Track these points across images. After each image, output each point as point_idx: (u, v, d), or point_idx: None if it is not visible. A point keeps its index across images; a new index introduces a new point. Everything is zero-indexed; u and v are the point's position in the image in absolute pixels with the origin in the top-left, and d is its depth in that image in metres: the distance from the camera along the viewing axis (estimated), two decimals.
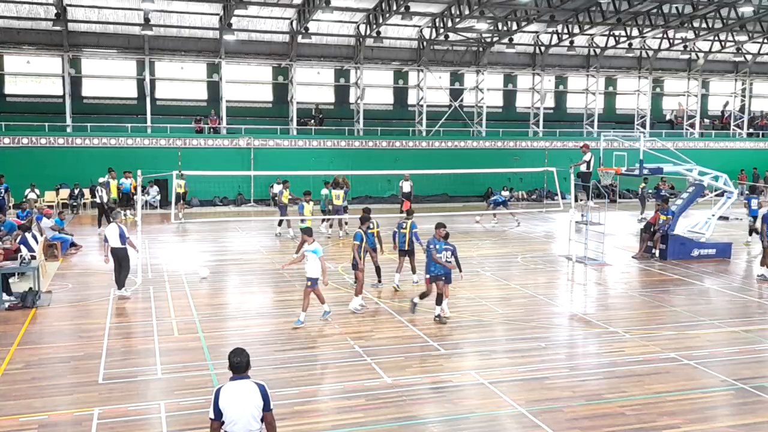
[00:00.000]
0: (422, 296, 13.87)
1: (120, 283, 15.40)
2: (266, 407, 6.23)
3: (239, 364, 6.29)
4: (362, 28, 36.21)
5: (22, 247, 16.27)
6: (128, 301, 15.07)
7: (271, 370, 10.69)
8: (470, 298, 15.43)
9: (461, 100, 39.84)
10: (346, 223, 23.31)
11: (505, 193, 29.38)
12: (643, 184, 30.04)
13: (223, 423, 6.18)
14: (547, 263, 20.01)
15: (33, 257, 15.95)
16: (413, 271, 16.84)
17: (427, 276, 13.51)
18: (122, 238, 15.29)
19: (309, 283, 13.17)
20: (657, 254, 20.56)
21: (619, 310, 15.09)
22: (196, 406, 9.22)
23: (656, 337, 12.73)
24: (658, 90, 44.61)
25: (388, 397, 9.83)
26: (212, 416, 6.20)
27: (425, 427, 9.01)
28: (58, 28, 31.81)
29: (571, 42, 38.50)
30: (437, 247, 13.34)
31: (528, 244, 23.39)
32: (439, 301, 13.47)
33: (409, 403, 9.67)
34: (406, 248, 16.35)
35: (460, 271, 13.85)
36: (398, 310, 14.37)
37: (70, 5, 32.04)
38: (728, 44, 40.50)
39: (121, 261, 15.34)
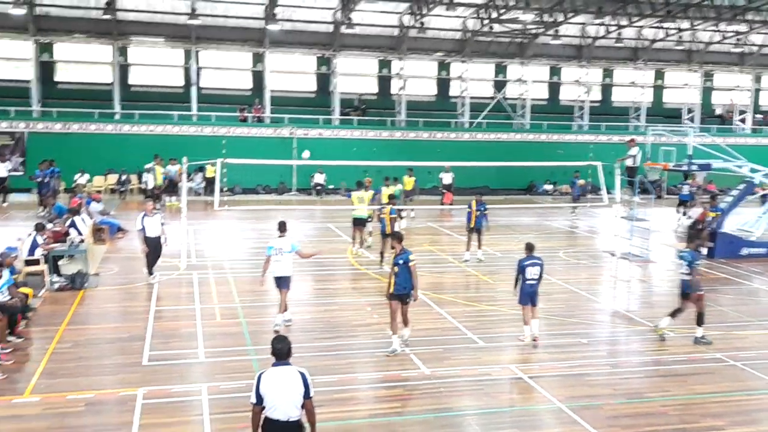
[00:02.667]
0: (673, 315, 12.40)
1: (150, 269, 15.73)
2: (306, 394, 6.30)
3: (281, 351, 6.37)
4: (406, 18, 36.05)
5: (72, 231, 16.69)
6: (172, 286, 15.37)
7: (312, 357, 10.79)
8: (511, 292, 15.30)
9: (505, 92, 39.44)
10: (370, 233, 20.28)
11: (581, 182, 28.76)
12: (692, 181, 29.28)
13: (263, 408, 6.26)
14: (590, 259, 19.74)
15: (82, 240, 16.37)
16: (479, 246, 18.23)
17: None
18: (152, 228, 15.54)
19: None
20: (704, 252, 20.08)
21: (663, 308, 14.71)
22: (236, 390, 9.37)
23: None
24: (708, 84, 43.49)
25: (425, 388, 9.84)
26: (254, 401, 6.29)
27: (462, 419, 9.00)
28: (108, 16, 32.46)
29: (619, 34, 37.71)
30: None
31: (571, 239, 23.10)
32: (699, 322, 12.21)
33: (447, 395, 9.67)
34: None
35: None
36: (437, 302, 14.35)
37: None
38: None
39: (155, 249, 15.64)
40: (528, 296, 11.74)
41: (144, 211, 15.72)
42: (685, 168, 19.75)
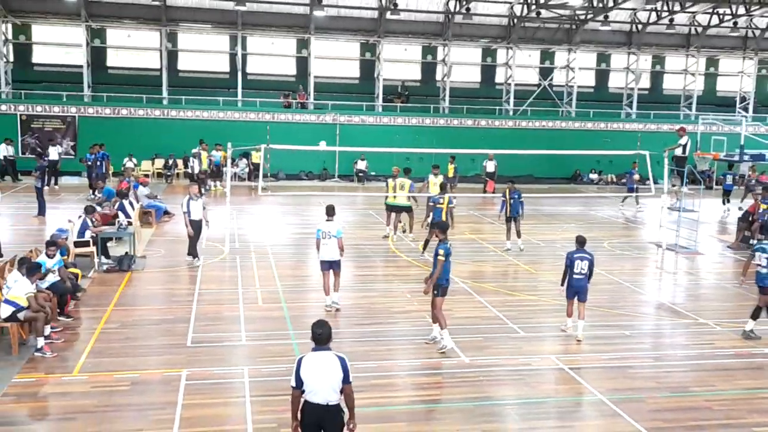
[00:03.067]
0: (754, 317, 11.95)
1: (195, 252, 16.06)
2: (346, 379, 6.34)
3: (321, 336, 6.41)
4: (451, 4, 35.72)
5: (120, 213, 17.09)
6: (216, 269, 15.62)
7: (351, 342, 10.86)
8: (553, 282, 15.12)
9: (551, 79, 38.82)
10: (400, 226, 19.63)
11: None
12: (750, 173, 28.34)
13: (303, 392, 6.33)
14: (635, 250, 19.38)
15: (129, 223, 16.75)
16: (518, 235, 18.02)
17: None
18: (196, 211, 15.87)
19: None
20: (755, 245, 19.51)
21: (710, 302, 14.47)
22: (277, 374, 9.49)
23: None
24: (763, 71, 42.05)
25: (464, 377, 9.82)
26: (294, 384, 6.36)
27: (501, 408, 8.96)
28: (157, 3, 32.97)
29: (671, 20, 36.68)
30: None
31: (615, 229, 22.70)
32: (755, 315, 11.87)
33: (486, 384, 9.63)
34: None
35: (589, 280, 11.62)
36: (477, 290, 14.27)
37: None
38: None
39: (197, 232, 15.99)
40: (574, 290, 11.43)
41: (189, 194, 16.00)
42: (736, 158, 19.18)
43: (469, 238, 19.78)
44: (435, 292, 10.63)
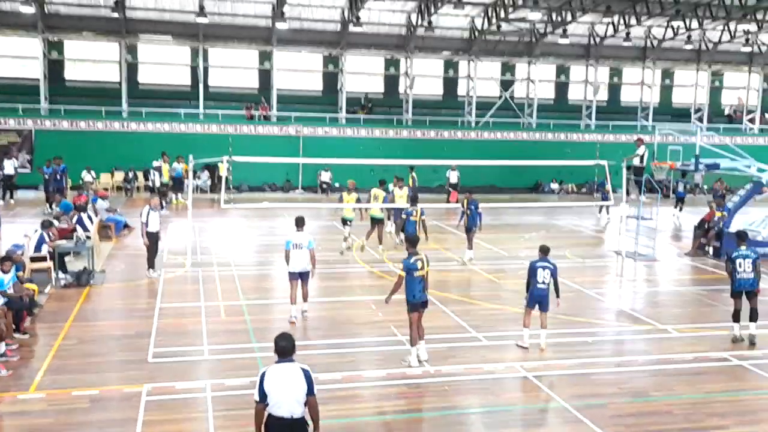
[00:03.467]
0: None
1: (152, 264, 15.95)
2: (310, 391, 6.30)
3: (285, 348, 6.37)
4: (413, 17, 36.02)
5: (78, 227, 16.76)
6: (178, 283, 15.40)
7: (315, 354, 10.78)
8: (516, 291, 15.26)
9: (512, 91, 39.38)
10: (345, 239, 19.17)
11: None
12: (719, 184, 28.73)
13: (267, 405, 6.27)
14: (595, 258, 19.68)
15: (88, 237, 16.43)
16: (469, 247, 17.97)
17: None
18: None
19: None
20: (710, 252, 20.01)
21: (669, 308, 14.75)
22: (241, 387, 9.38)
23: (707, 336, 12.40)
24: (717, 83, 43.30)
25: (429, 386, 9.83)
26: (257, 398, 6.29)
27: (466, 417, 8.98)
28: (116, 15, 32.54)
29: (628, 33, 37.51)
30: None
31: (576, 238, 23.03)
32: (736, 318, 12.11)
33: (451, 394, 9.65)
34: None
35: (558, 296, 11.55)
36: (441, 300, 14.32)
37: None
38: None
39: (155, 244, 15.94)
40: (536, 300, 11.41)
41: (150, 206, 15.89)
42: (692, 167, 19.65)
43: (432, 248, 19.82)
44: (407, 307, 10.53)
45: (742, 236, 12.58)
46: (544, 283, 11.34)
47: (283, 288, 13.63)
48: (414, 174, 27.78)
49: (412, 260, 10.39)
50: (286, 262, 12.65)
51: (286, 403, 6.24)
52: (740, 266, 11.99)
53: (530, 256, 18.22)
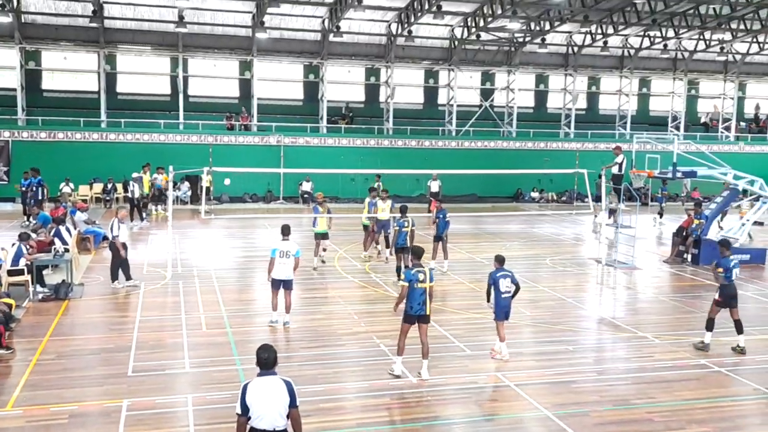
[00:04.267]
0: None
1: (116, 276, 15.83)
2: (292, 403, 6.27)
3: (267, 360, 6.33)
4: (393, 26, 36.20)
5: (56, 240, 16.56)
6: (158, 295, 15.27)
7: (298, 366, 10.75)
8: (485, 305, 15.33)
9: (492, 100, 39.64)
10: (324, 250, 18.95)
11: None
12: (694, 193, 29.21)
13: (249, 418, 6.23)
14: (576, 266, 19.81)
15: (66, 250, 16.24)
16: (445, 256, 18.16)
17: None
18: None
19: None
20: (689, 259, 20.24)
21: (648, 315, 14.88)
22: (222, 401, 9.31)
23: (687, 343, 12.51)
24: (693, 92, 43.92)
25: (412, 397, 9.82)
26: (239, 411, 6.25)
27: (449, 427, 8.98)
28: (94, 24, 32.33)
29: (605, 42, 38.03)
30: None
31: (557, 246, 23.18)
32: (709, 327, 12.17)
33: (434, 404, 9.65)
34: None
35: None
36: None
37: (107, 2, 32.54)
38: (767, 46, 39.65)
39: (118, 254, 15.82)
40: (504, 310, 11.36)
41: (117, 218, 15.91)
42: (669, 175, 19.90)
43: None
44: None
45: (725, 244, 12.63)
46: (508, 291, 11.39)
47: (266, 299, 13.57)
48: (380, 183, 27.13)
49: (413, 271, 10.39)
50: (268, 269, 12.74)
51: (269, 416, 6.20)
52: (735, 275, 12.11)
53: (510, 265, 18.32)
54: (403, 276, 10.51)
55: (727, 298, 12.05)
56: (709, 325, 12.17)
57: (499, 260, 11.70)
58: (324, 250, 18.80)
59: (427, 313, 10.41)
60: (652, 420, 9.23)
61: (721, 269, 12.05)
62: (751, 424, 9.39)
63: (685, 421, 9.20)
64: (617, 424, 9.09)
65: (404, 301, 10.38)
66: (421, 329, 10.46)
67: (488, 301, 11.53)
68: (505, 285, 11.34)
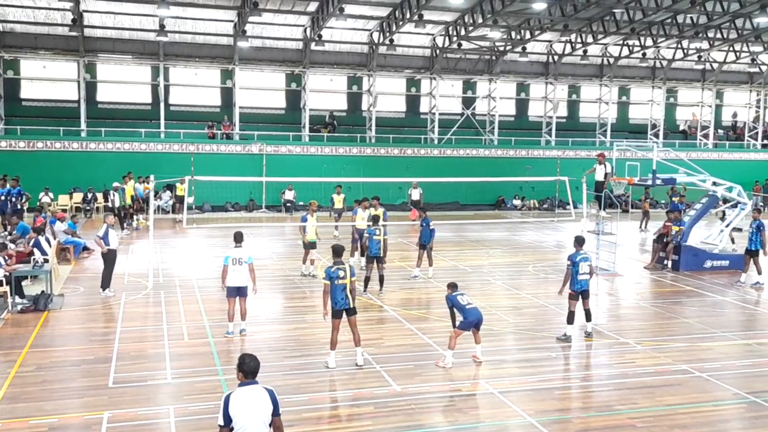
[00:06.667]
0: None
1: (108, 283, 15.89)
2: (275, 412, 6.22)
3: (254, 368, 6.28)
4: (375, 35, 36.33)
5: (36, 250, 16.38)
6: (139, 305, 15.14)
7: (281, 376, 10.69)
8: (481, 306, 15.31)
9: (473, 109, 39.87)
10: (312, 263, 18.58)
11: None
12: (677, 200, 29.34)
13: (232, 429, 6.17)
14: (558, 273, 19.86)
15: (46, 260, 16.06)
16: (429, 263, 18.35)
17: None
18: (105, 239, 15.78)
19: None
20: (669, 265, 20.44)
21: (630, 321, 14.99)
22: (205, 411, 9.23)
23: (668, 348, 12.63)
24: (671, 100, 44.46)
25: (396, 405, 9.80)
26: (221, 422, 6.18)
27: None
28: (74, 33, 32.12)
29: (585, 51, 38.45)
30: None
31: (539, 253, 23.29)
32: (588, 318, 13.16)
33: (418, 412, 9.63)
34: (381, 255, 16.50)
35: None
36: (407, 318, 14.34)
37: (87, 11, 32.35)
38: (743, 55, 40.30)
39: (113, 262, 15.89)
40: (473, 323, 11.53)
41: (107, 224, 15.94)
42: (649, 182, 20.11)
43: (398, 266, 19.89)
44: None
45: (578, 240, 13.42)
46: (470, 304, 11.66)
47: (248, 308, 13.47)
48: (342, 194, 26.13)
49: (333, 269, 11.00)
50: (222, 278, 12.94)
51: (252, 426, 6.13)
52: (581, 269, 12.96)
53: (493, 271, 18.38)
54: (323, 274, 11.08)
55: (578, 291, 12.93)
56: (570, 319, 12.91)
57: (579, 242, 12.20)
58: (312, 263, 18.53)
59: (352, 306, 11.10)
60: (635, 426, 9.28)
61: (569, 262, 12.91)
62: (733, 428, 9.48)
63: (667, 427, 9.26)
64: (600, 430, 9.13)
65: (326, 300, 11.05)
66: (351, 321, 11.16)
67: (453, 326, 11.70)
68: (466, 300, 11.66)
